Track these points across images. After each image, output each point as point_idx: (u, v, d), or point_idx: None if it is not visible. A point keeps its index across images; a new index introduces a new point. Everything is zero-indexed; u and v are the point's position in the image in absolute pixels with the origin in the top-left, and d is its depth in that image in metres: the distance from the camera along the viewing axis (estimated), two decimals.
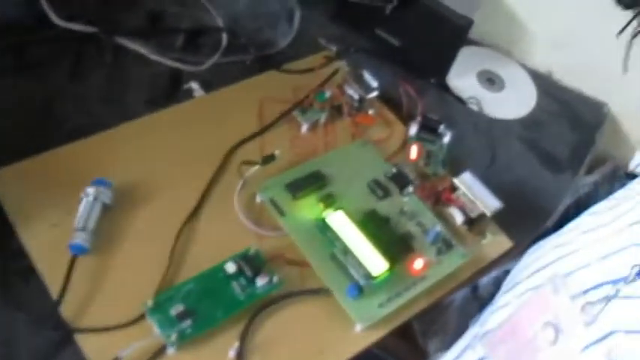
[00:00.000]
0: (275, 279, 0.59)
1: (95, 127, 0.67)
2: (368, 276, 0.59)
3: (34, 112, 0.67)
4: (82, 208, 0.59)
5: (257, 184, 0.64)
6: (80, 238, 0.57)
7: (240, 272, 0.58)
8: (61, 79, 0.70)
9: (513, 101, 0.85)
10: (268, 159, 0.65)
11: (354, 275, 0.60)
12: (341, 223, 0.62)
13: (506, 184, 0.75)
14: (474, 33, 0.81)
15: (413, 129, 0.74)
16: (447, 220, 0.68)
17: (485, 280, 0.95)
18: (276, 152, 0.66)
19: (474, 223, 0.68)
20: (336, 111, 0.73)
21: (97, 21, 0.73)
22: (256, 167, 0.64)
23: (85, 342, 0.55)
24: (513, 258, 0.70)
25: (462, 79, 0.84)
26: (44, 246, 0.58)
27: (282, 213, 0.63)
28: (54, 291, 0.56)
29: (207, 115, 0.70)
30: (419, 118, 0.74)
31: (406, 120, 0.75)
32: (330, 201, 0.64)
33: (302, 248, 0.61)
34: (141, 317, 0.56)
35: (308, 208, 0.63)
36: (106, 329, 0.55)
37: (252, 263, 0.59)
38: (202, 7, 0.78)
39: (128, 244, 0.60)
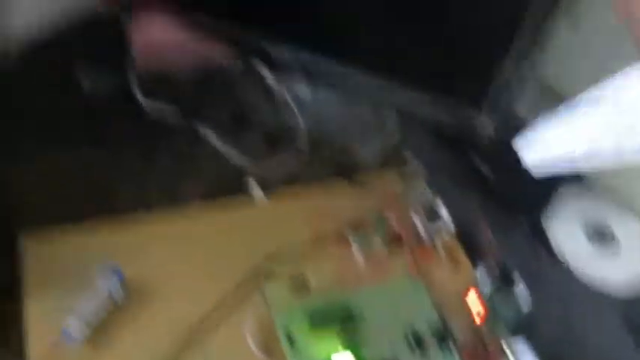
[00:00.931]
0: None
1: (141, 211, 0.65)
2: None
3: (91, 184, 0.67)
4: (89, 296, 0.57)
5: (279, 305, 0.59)
6: (72, 327, 0.55)
7: None
8: (129, 157, 0.70)
9: (626, 270, 0.70)
10: (297, 281, 0.59)
11: None
12: None
13: None
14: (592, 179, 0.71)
15: (481, 276, 0.64)
16: None
17: None
18: (308, 274, 0.60)
19: None
20: (396, 239, 0.66)
21: (183, 106, 0.73)
22: (280, 286, 0.59)
23: None
24: None
25: (564, 225, 0.72)
26: (43, 323, 0.56)
27: (292, 343, 0.56)
28: None
29: (255, 219, 0.66)
30: (492, 263, 0.64)
31: (477, 264, 0.65)
32: (350, 340, 0.57)
33: None
34: None
35: (322, 344, 0.57)
36: None
37: None
38: (288, 109, 0.76)
39: (122, 342, 0.57)
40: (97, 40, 0.76)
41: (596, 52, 0.69)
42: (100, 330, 0.57)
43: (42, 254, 0.60)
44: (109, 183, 0.67)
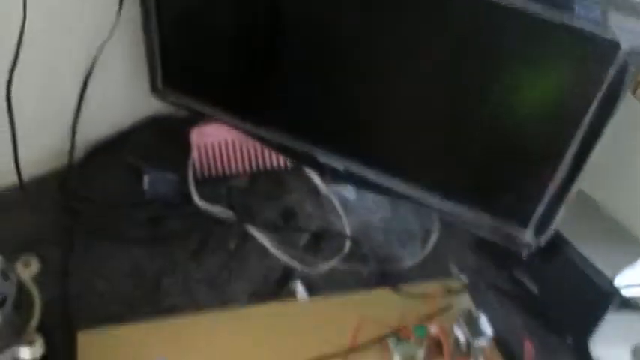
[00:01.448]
0: None
1: (190, 309, 0.68)
2: None
3: (143, 281, 0.70)
4: None
5: None
6: None
7: None
8: (182, 255, 0.73)
9: None
10: None
11: None
12: None
13: None
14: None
15: None
16: None
17: None
18: None
19: None
20: (437, 349, 0.66)
21: (235, 208, 0.77)
22: None
23: None
24: None
25: (611, 349, 0.71)
26: None
27: None
28: None
29: (299, 320, 0.68)
30: None
31: None
32: None
33: None
34: None
35: None
36: None
37: None
38: (335, 212, 0.78)
39: None
40: (159, 143, 0.81)
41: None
42: None
43: (95, 350, 0.63)
44: (160, 281, 0.70)
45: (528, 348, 0.65)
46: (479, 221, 0.71)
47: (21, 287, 0.59)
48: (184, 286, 0.70)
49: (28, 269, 0.63)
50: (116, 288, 0.69)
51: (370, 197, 0.80)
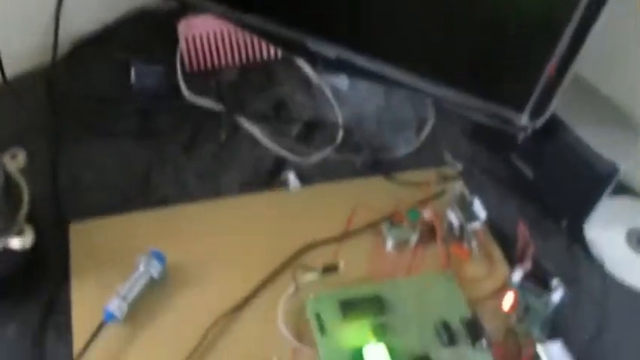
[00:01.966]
0: None
1: (181, 200, 0.67)
2: None
3: (133, 174, 0.69)
4: (131, 276, 0.59)
5: (311, 293, 0.59)
6: (114, 305, 0.57)
7: None
8: (172, 148, 0.72)
9: None
10: (329, 269, 0.60)
11: None
12: (379, 358, 0.55)
13: None
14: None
15: (517, 275, 0.64)
16: None
17: None
18: (341, 264, 0.60)
19: None
20: (430, 234, 0.66)
21: (225, 100, 0.75)
22: (313, 275, 0.60)
23: None
24: None
25: (606, 232, 0.71)
26: (87, 305, 0.59)
27: (322, 331, 0.57)
28: (76, 351, 0.56)
29: (292, 209, 0.68)
30: (528, 264, 0.64)
31: (513, 265, 0.65)
32: (380, 331, 0.57)
33: None
34: None
35: (354, 333, 0.57)
36: None
37: None
38: (327, 102, 0.77)
39: (161, 324, 0.59)
40: (146, 36, 0.78)
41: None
42: (140, 310, 0.59)
43: (88, 241, 0.63)
44: (150, 174, 0.70)
45: (522, 230, 0.65)
46: (474, 105, 0.69)
47: (8, 178, 0.58)
48: (175, 178, 0.70)
49: (15, 161, 0.62)
50: (106, 181, 0.68)
51: (363, 86, 0.79)
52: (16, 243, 0.57)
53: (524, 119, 0.67)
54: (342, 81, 0.78)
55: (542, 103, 0.66)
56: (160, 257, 0.60)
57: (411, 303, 0.60)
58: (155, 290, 0.60)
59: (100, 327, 0.56)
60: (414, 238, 0.65)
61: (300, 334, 0.58)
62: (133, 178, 0.69)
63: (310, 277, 0.60)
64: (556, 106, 0.66)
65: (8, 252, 0.57)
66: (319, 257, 0.63)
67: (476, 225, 0.65)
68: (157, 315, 0.59)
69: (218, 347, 0.58)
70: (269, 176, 0.71)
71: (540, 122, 0.67)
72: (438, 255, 0.65)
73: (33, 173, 0.61)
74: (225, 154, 0.72)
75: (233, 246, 0.64)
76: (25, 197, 0.60)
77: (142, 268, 0.59)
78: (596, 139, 0.67)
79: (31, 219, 0.59)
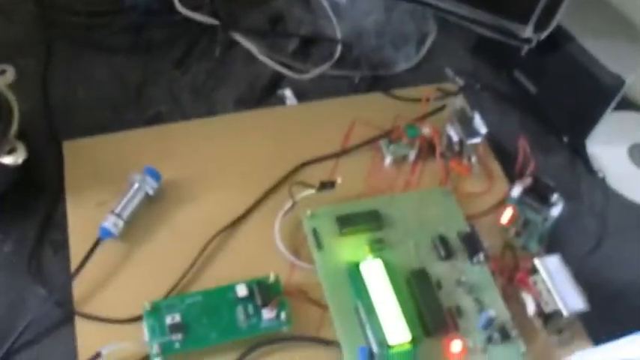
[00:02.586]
0: (283, 316, 0.53)
1: (175, 117, 0.66)
2: (383, 343, 0.51)
3: (127, 91, 0.68)
4: (126, 193, 0.58)
5: (308, 208, 0.59)
6: (110, 222, 0.57)
7: (250, 298, 0.54)
8: (165, 64, 0.70)
9: None
10: (326, 186, 0.59)
11: (370, 338, 0.52)
12: (375, 274, 0.54)
13: (614, 282, 0.61)
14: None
15: (517, 190, 0.63)
16: (518, 306, 0.57)
17: None
18: (338, 180, 0.60)
19: (549, 319, 0.56)
20: (430, 150, 0.65)
21: (220, 15, 0.73)
22: (310, 192, 0.59)
23: (82, 327, 0.54)
24: None
25: (608, 147, 0.70)
26: (83, 222, 0.58)
27: (319, 246, 0.57)
28: (73, 268, 0.56)
29: (289, 125, 0.66)
30: (528, 179, 0.63)
31: (513, 181, 0.64)
32: (378, 246, 0.57)
33: (326, 290, 0.55)
34: (140, 318, 0.53)
35: (350, 249, 0.57)
36: (105, 320, 0.54)
37: (266, 292, 0.54)
38: (325, 16, 0.74)
39: (158, 240, 0.58)
40: None
41: None
42: (136, 227, 0.58)
43: (82, 159, 0.62)
44: (144, 90, 0.68)
45: (523, 145, 0.64)
46: (478, 18, 0.67)
47: None
48: (169, 94, 0.68)
49: (3, 77, 0.60)
50: (99, 97, 0.67)
51: (363, 1, 0.76)
52: (8, 159, 0.56)
53: (528, 31, 0.65)
54: None
55: (547, 14, 0.64)
56: (154, 174, 0.59)
57: (408, 218, 0.60)
58: (151, 207, 0.59)
59: (97, 244, 0.56)
60: (412, 154, 0.64)
61: (298, 250, 0.58)
62: (127, 93, 0.68)
63: (307, 193, 0.59)
64: (561, 17, 0.64)
65: (3, 169, 0.56)
66: (316, 174, 0.62)
67: (476, 140, 0.64)
68: (153, 232, 0.59)
69: (215, 263, 0.57)
70: (265, 93, 0.69)
71: (545, 34, 0.65)
72: (437, 171, 0.64)
73: (24, 90, 0.60)
74: (219, 70, 0.70)
75: (229, 163, 0.63)
76: (16, 114, 0.59)
77: (136, 185, 0.59)
78: (602, 51, 0.65)
79: (22, 136, 0.58)
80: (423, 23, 0.76)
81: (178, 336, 0.52)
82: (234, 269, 0.57)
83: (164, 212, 0.60)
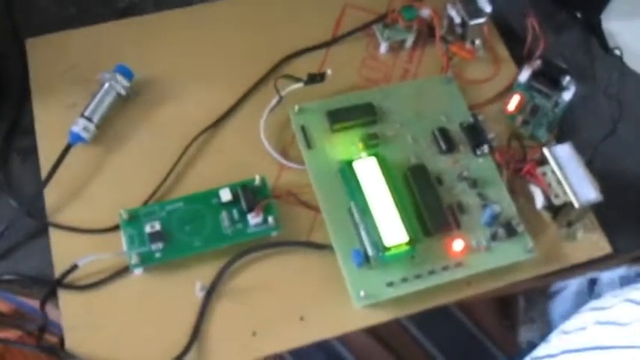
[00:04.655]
0: (270, 220, 0.49)
1: (148, 8, 0.60)
2: (378, 245, 0.48)
3: None
4: (96, 95, 0.53)
5: (296, 103, 0.54)
6: (80, 126, 0.52)
7: (234, 203, 0.50)
8: None
9: None
10: (315, 78, 0.54)
11: (365, 240, 0.48)
12: (370, 172, 0.50)
13: (629, 170, 0.57)
14: None
15: (525, 74, 0.58)
16: (525, 200, 0.53)
17: (608, 276, 0.78)
18: (328, 72, 0.54)
19: (559, 212, 0.52)
20: (430, 34, 0.59)
21: None
22: (298, 85, 0.54)
23: (56, 238, 0.50)
24: (610, 266, 0.54)
25: (625, 22, 0.63)
26: (52, 127, 0.54)
27: (309, 145, 0.52)
28: (44, 176, 0.52)
29: (273, 11, 0.60)
30: (537, 62, 0.58)
31: (521, 63, 0.59)
32: (372, 142, 0.52)
33: (318, 191, 0.51)
34: (117, 227, 0.50)
35: (343, 146, 0.52)
36: (80, 230, 0.50)
37: (252, 196, 0.50)
38: None
39: (133, 143, 0.54)
40: None
41: None
42: (110, 131, 0.54)
43: (49, 57, 0.57)
44: None
45: (532, 23, 0.58)
46: None
47: None
48: None
49: None
50: None
51: None
52: None
53: None
54: None
55: None
56: (126, 72, 0.54)
57: (405, 110, 0.55)
58: (125, 109, 0.55)
59: (67, 150, 0.52)
60: (410, 38, 0.59)
61: (286, 149, 0.54)
62: None
63: (294, 87, 0.53)
64: None
65: None
66: (305, 66, 0.57)
67: (480, 20, 0.57)
68: (129, 135, 0.54)
69: (197, 166, 0.53)
70: None
71: None
72: (437, 57, 0.58)
73: None
74: None
75: (209, 57, 0.58)
76: None
77: (106, 85, 0.53)
78: None
79: None
80: None
81: (159, 245, 0.48)
82: (218, 172, 0.52)
83: (139, 113, 0.55)
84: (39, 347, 0.49)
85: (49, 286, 0.49)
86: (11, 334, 0.68)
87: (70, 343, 0.47)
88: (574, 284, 0.80)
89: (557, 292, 0.82)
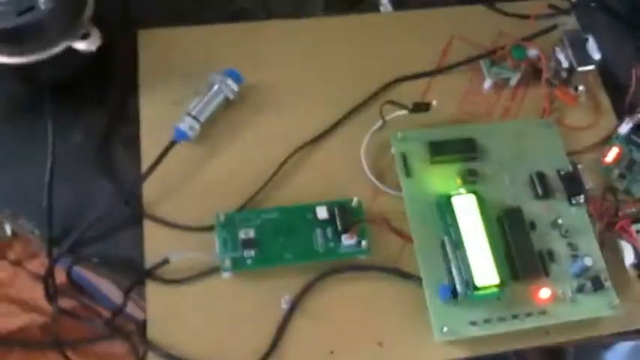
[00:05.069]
0: (363, 243, 0.50)
1: (260, 15, 0.61)
2: (469, 283, 0.48)
3: None
4: (204, 95, 0.54)
5: (399, 129, 0.54)
6: (186, 124, 0.53)
7: (330, 221, 0.51)
8: None
9: None
10: (420, 107, 0.54)
11: (455, 276, 0.49)
12: (467, 209, 0.50)
13: None
14: None
15: (625, 126, 0.57)
16: (613, 254, 0.53)
17: None
18: (434, 102, 0.54)
19: None
20: (535, 75, 0.59)
21: None
22: (402, 112, 0.54)
23: (150, 230, 0.51)
24: None
25: None
26: (156, 120, 0.55)
27: (408, 173, 0.53)
28: (144, 168, 0.53)
29: (384, 35, 0.61)
30: (639, 115, 0.57)
31: (622, 117, 0.58)
32: (470, 179, 0.52)
33: (412, 221, 0.51)
34: (211, 228, 0.51)
35: (441, 178, 0.53)
36: (174, 226, 0.51)
37: (348, 217, 0.50)
38: None
39: (235, 147, 0.55)
40: None
41: None
42: (212, 132, 0.55)
43: (159, 51, 0.58)
44: None
45: (637, 75, 0.57)
46: None
47: None
48: None
49: None
50: None
51: None
52: (81, 45, 0.52)
53: None
54: None
55: None
56: (236, 77, 0.55)
57: (505, 150, 0.55)
58: (228, 112, 0.56)
59: (171, 145, 0.52)
60: (515, 77, 0.59)
61: (382, 173, 0.54)
62: None
63: (399, 113, 0.54)
64: None
65: (73, 53, 0.52)
66: (409, 92, 0.57)
67: (588, 68, 0.57)
68: (230, 138, 0.55)
69: (293, 177, 0.54)
70: None
71: None
72: (540, 98, 0.58)
73: None
74: None
75: (316, 71, 0.58)
76: None
77: (216, 87, 0.54)
78: None
79: (97, 20, 0.53)
80: None
81: (251, 252, 0.49)
82: (313, 187, 0.53)
83: (243, 118, 0.56)
84: (109, 326, 0.50)
85: (139, 276, 0.50)
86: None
87: (151, 334, 0.48)
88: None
89: (612, 342, 0.81)
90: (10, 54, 0.51)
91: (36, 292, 1.07)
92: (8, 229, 1.08)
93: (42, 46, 0.51)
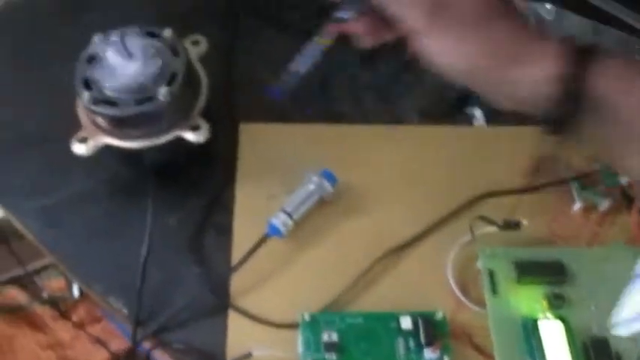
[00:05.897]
0: (445, 359, 0.50)
1: (356, 118, 0.63)
2: None
3: (311, 85, 0.65)
4: (299, 193, 0.56)
5: (487, 245, 0.55)
6: (280, 221, 0.55)
7: (413, 332, 0.51)
8: (352, 58, 0.67)
9: None
10: (511, 225, 0.55)
11: None
12: (553, 335, 0.50)
13: None
14: None
15: None
16: None
17: None
18: (524, 222, 0.55)
19: None
20: (626, 201, 0.59)
21: None
22: (492, 229, 0.55)
23: (234, 321, 0.53)
24: None
25: None
26: (250, 212, 0.57)
27: (494, 291, 0.53)
28: (234, 258, 0.55)
29: (476, 148, 0.62)
30: None
31: None
32: (557, 303, 0.52)
33: (495, 340, 0.51)
34: (294, 325, 0.51)
35: (527, 299, 0.52)
36: (258, 320, 0.52)
37: (431, 330, 0.51)
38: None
39: (323, 247, 0.56)
40: None
41: None
42: (303, 229, 0.56)
43: (259, 145, 0.60)
44: (327, 83, 0.65)
45: None
46: None
47: (189, 66, 0.56)
48: (351, 94, 0.65)
49: (196, 48, 0.59)
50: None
51: (571, 18, 0.69)
52: (190, 136, 0.54)
53: None
54: (546, 9, 0.70)
55: None
56: (331, 178, 0.57)
57: (592, 276, 0.54)
58: (320, 210, 0.57)
59: (263, 240, 0.54)
60: (606, 203, 0.59)
61: (467, 289, 0.54)
62: (309, 85, 0.65)
63: (488, 230, 0.54)
64: None
65: (180, 142, 0.55)
66: (497, 208, 0.57)
67: None
68: (319, 237, 0.56)
69: (378, 283, 0.55)
70: (452, 108, 0.65)
71: None
72: (630, 226, 0.58)
73: (210, 63, 0.59)
74: (407, 75, 0.66)
75: (407, 177, 0.60)
76: (204, 89, 0.57)
77: (312, 187, 0.56)
78: None
79: (206, 113, 0.56)
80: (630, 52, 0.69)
81: (332, 355, 0.50)
82: (397, 294, 0.54)
83: (333, 218, 0.57)
84: None
85: None
86: None
87: None
88: None
89: None
90: (124, 138, 0.54)
91: (94, 356, 1.09)
92: (76, 291, 1.11)
93: (154, 133, 0.54)
